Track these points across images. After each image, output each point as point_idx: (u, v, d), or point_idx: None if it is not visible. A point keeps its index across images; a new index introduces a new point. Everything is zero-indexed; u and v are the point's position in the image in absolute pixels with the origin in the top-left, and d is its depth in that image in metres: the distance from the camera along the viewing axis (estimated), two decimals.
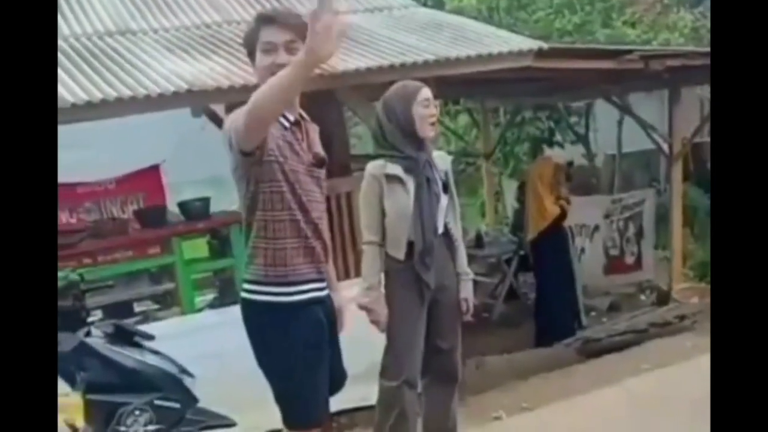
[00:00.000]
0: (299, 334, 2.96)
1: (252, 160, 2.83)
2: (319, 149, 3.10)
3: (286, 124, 2.93)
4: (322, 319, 3.06)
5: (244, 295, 3.02)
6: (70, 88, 5.16)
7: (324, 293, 3.09)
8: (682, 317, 7.13)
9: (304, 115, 3.07)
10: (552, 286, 7.43)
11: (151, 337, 3.52)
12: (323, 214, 3.09)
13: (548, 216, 7.43)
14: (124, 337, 3.50)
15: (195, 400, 3.62)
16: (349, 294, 3.66)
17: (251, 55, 3.00)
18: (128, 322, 4.38)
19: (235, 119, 2.78)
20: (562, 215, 7.47)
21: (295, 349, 2.95)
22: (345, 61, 5.77)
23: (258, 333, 3.00)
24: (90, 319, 3.62)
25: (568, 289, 7.46)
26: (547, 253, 7.50)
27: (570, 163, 8.49)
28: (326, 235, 3.09)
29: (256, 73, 2.99)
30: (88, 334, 3.33)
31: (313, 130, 3.12)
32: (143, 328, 4.16)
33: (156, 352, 3.46)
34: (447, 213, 3.94)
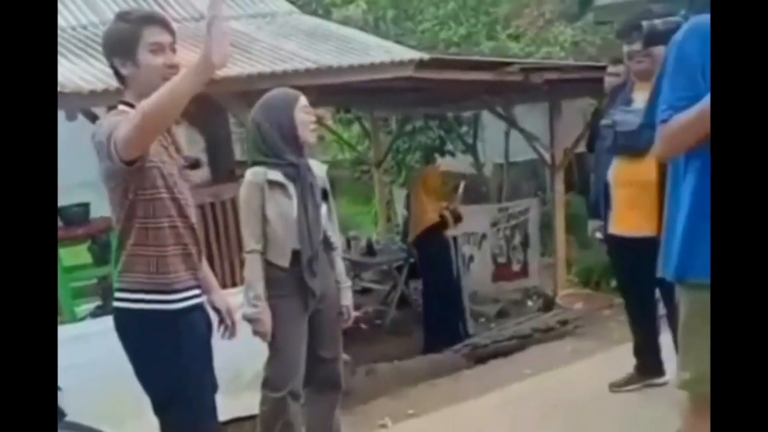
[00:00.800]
0: (184, 341, 2.89)
1: (134, 168, 2.73)
2: (186, 152, 3.06)
3: None
4: (203, 325, 3.02)
5: (119, 305, 2.92)
6: None
7: (202, 299, 3.04)
8: (564, 322, 7.32)
9: None
10: (436, 293, 7.55)
11: None
12: (196, 219, 3.03)
13: (426, 221, 7.55)
14: None
15: (62, 414, 3.47)
16: (234, 302, 3.60)
17: (122, 54, 2.83)
18: None
19: (114, 127, 2.66)
20: (442, 223, 7.58)
21: (180, 357, 2.87)
22: (227, 66, 5.69)
23: (137, 343, 2.90)
24: None
25: (452, 295, 7.57)
26: (429, 260, 7.65)
27: (462, 176, 8.66)
28: (200, 239, 3.05)
29: (138, 73, 2.83)
30: None
31: (179, 133, 3.06)
32: None
33: None
34: (326, 221, 3.92)
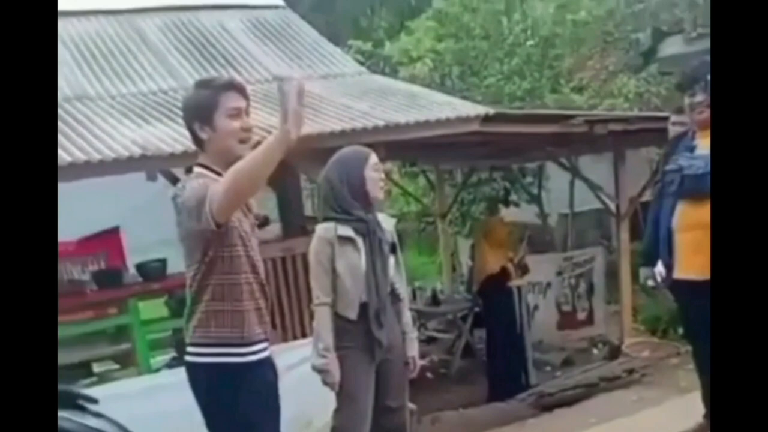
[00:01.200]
0: (255, 393, 3.02)
1: (221, 229, 2.89)
2: (258, 209, 3.26)
3: None
4: (272, 376, 3.15)
5: (193, 359, 3.06)
6: None
7: (269, 352, 3.17)
8: (631, 371, 7.30)
9: None
10: (500, 342, 7.62)
11: (95, 401, 3.56)
12: (264, 274, 3.18)
13: (488, 271, 7.65)
14: (68, 400, 3.53)
15: None
16: (302, 354, 3.75)
17: (201, 119, 3.00)
18: (73, 386, 4.39)
19: (205, 192, 2.80)
20: (505, 273, 7.66)
21: (251, 408, 3.00)
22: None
23: (210, 395, 3.04)
24: None
25: (516, 344, 7.62)
26: (492, 310, 7.73)
27: (525, 226, 8.71)
28: (269, 294, 3.20)
29: (215, 137, 3.00)
30: None
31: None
32: (100, 388, 4.21)
33: (99, 415, 3.51)
34: (394, 273, 4.07)
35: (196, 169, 3.05)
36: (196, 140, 3.07)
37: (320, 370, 3.86)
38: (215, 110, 2.99)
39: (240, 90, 3.07)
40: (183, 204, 2.91)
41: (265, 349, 3.12)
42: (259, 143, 2.80)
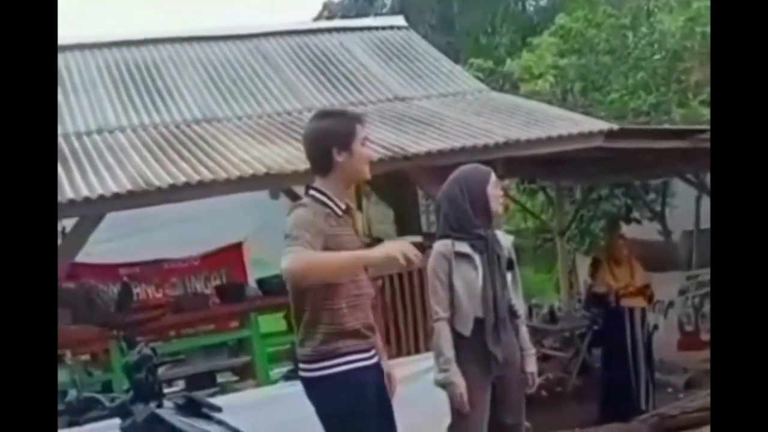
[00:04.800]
0: (369, 397, 3.26)
1: None
2: (375, 224, 3.48)
3: (339, 212, 3.30)
4: (381, 381, 3.41)
5: (305, 374, 3.31)
6: (156, 173, 5.56)
7: (374, 360, 3.38)
8: None
9: (351, 203, 3.44)
10: (615, 361, 7.45)
11: (218, 409, 3.71)
12: (370, 290, 3.44)
13: (606, 289, 7.53)
14: (194, 408, 3.69)
15: None
16: (416, 368, 3.78)
17: (340, 144, 3.27)
18: (201, 393, 4.57)
19: (288, 255, 3.04)
20: (624, 293, 7.47)
21: (366, 413, 3.24)
22: (418, 144, 6.04)
23: (325, 406, 3.27)
24: (169, 390, 3.82)
25: (632, 364, 7.41)
26: (610, 328, 7.56)
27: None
28: (370, 310, 3.43)
29: (351, 161, 3.29)
30: (159, 405, 3.53)
31: (358, 216, 3.46)
32: (221, 398, 4.36)
33: (222, 423, 3.64)
34: (511, 289, 4.06)
35: (312, 193, 3.34)
36: (325, 164, 3.32)
37: (444, 384, 3.89)
38: (354, 137, 3.31)
39: (365, 123, 3.44)
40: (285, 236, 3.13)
41: (366, 358, 3.32)
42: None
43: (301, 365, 3.33)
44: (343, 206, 3.33)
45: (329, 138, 3.29)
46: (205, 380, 6.17)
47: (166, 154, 6.15)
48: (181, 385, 6.05)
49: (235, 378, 6.57)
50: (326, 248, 3.16)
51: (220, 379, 6.54)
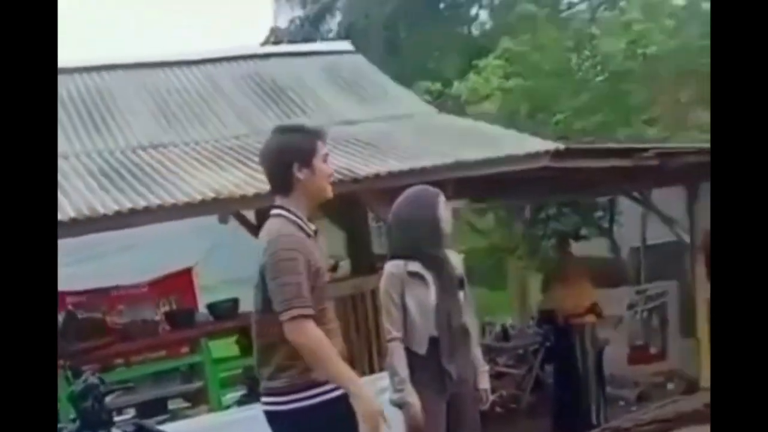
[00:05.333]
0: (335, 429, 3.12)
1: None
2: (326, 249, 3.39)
3: (310, 233, 3.17)
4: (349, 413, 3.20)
5: (271, 408, 3.15)
6: (102, 200, 5.49)
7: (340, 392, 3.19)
8: (709, 405, 7.09)
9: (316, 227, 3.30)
10: (566, 376, 7.54)
11: None
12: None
13: (557, 306, 7.61)
14: None
15: None
16: (374, 388, 3.76)
17: (301, 160, 3.14)
18: (151, 421, 4.51)
19: (288, 306, 2.98)
20: (575, 309, 7.58)
21: None
22: (367, 166, 6.06)
23: None
24: (119, 418, 3.77)
25: (583, 379, 7.50)
26: (561, 344, 7.66)
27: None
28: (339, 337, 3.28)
29: (313, 178, 3.16)
30: None
31: (323, 239, 3.38)
32: (173, 425, 4.31)
33: None
34: (463, 308, 4.09)
35: (280, 212, 3.17)
36: (285, 182, 3.17)
37: (400, 404, 3.90)
38: (314, 154, 3.18)
39: (326, 139, 3.29)
40: (270, 264, 3.03)
41: (335, 389, 3.14)
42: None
43: (270, 398, 3.15)
44: (313, 227, 3.21)
45: (289, 154, 3.16)
46: (156, 407, 6.09)
47: (112, 181, 6.09)
48: (132, 413, 5.96)
49: (186, 404, 6.51)
50: (315, 277, 3.09)
51: (172, 405, 6.47)
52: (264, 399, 3.19)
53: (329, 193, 3.26)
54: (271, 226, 3.14)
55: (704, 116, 10.22)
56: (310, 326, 2.98)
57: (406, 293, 3.95)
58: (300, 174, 3.14)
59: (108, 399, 3.83)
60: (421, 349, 3.94)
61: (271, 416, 3.17)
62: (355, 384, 3.03)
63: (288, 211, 3.15)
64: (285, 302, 2.98)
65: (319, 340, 2.97)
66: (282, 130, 3.33)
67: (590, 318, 7.63)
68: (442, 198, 4.10)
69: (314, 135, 3.25)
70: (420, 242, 3.99)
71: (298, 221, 3.14)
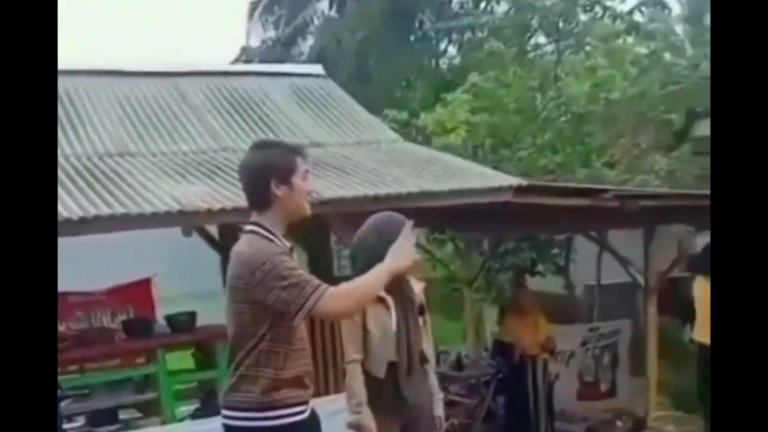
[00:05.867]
0: None
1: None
2: None
3: (285, 250, 3.09)
4: None
5: (231, 422, 3.09)
6: (66, 205, 5.47)
7: (309, 414, 3.19)
8: None
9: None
10: (518, 408, 7.63)
11: None
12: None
13: (511, 339, 7.73)
14: None
15: None
16: (327, 410, 3.79)
17: (279, 177, 3.09)
18: (102, 430, 4.48)
19: (320, 292, 2.95)
20: (527, 344, 7.70)
21: None
22: (332, 189, 6.13)
23: None
24: (68, 425, 3.72)
25: (534, 412, 7.60)
26: (513, 377, 7.76)
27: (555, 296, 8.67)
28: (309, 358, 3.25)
29: (291, 195, 3.11)
30: None
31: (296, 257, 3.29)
32: None
33: None
34: (423, 335, 4.14)
35: (253, 228, 3.11)
36: (263, 199, 3.12)
37: (357, 426, 3.90)
38: (294, 171, 3.12)
39: (305, 155, 3.25)
40: (269, 275, 2.95)
41: (303, 411, 3.14)
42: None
43: (232, 413, 3.09)
44: (289, 245, 3.13)
45: (268, 171, 3.09)
46: (107, 417, 6.02)
47: (77, 186, 6.06)
48: (81, 421, 5.90)
49: (138, 415, 6.45)
50: None
51: (123, 415, 6.40)
52: (226, 413, 3.13)
53: (307, 210, 3.20)
54: (242, 242, 3.09)
55: (662, 162, 10.48)
56: (331, 289, 2.98)
57: (368, 316, 3.97)
58: (278, 191, 3.09)
59: (61, 405, 3.80)
60: (380, 372, 3.97)
61: (229, 430, 3.13)
62: (386, 265, 3.14)
63: (262, 227, 3.10)
64: (302, 296, 2.93)
65: (348, 295, 3.03)
66: (261, 146, 3.30)
67: (543, 353, 7.75)
68: (408, 225, 4.15)
69: (294, 152, 3.20)
70: None
71: (273, 238, 3.08)
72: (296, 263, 3.05)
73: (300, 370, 3.12)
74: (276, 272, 2.95)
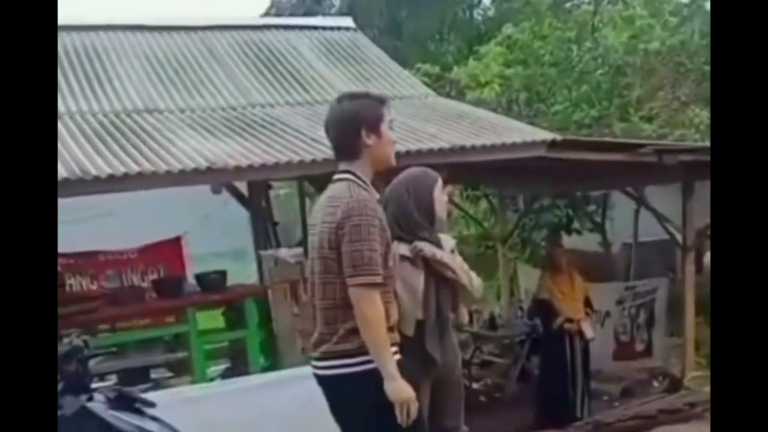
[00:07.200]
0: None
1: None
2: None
3: (377, 197, 3.27)
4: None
5: (325, 372, 3.21)
6: (94, 162, 5.42)
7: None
8: (692, 404, 7.10)
9: None
10: (553, 368, 7.55)
11: (152, 405, 3.60)
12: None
13: (546, 297, 7.63)
14: (126, 403, 3.58)
15: None
16: None
17: (369, 126, 3.17)
18: (134, 388, 4.46)
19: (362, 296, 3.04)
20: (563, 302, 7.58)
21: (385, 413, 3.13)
22: None
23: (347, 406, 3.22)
24: (97, 385, 3.71)
25: (569, 372, 7.51)
26: (548, 336, 7.66)
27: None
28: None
29: (380, 144, 3.18)
30: (90, 398, 3.41)
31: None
32: (155, 394, 4.26)
33: (156, 419, 3.54)
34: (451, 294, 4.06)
35: (346, 176, 3.18)
36: (354, 148, 3.19)
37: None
38: (382, 120, 3.23)
39: (389, 106, 3.33)
40: (358, 227, 3.06)
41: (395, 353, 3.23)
42: None
43: (339, 361, 3.17)
44: (378, 196, 3.24)
45: (359, 120, 3.19)
46: (138, 375, 6.04)
47: (105, 143, 6.01)
48: (113, 379, 5.92)
49: (170, 374, 6.47)
50: None
51: (154, 374, 6.42)
52: (330, 363, 3.20)
53: (393, 159, 3.30)
54: (341, 189, 3.16)
55: (702, 115, 10.21)
56: (376, 297, 3.04)
57: (396, 275, 3.91)
58: (368, 140, 3.17)
59: (91, 363, 3.77)
60: (409, 330, 3.90)
61: (338, 380, 3.20)
62: (391, 370, 3.09)
63: (354, 175, 3.17)
64: (358, 267, 3.03)
65: (380, 317, 3.05)
66: (349, 97, 3.36)
67: (586, 316, 7.64)
68: (439, 182, 4.06)
69: (380, 101, 3.29)
70: (413, 223, 3.94)
71: (368, 187, 3.17)
72: (377, 235, 3.09)
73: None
74: (356, 229, 3.04)
